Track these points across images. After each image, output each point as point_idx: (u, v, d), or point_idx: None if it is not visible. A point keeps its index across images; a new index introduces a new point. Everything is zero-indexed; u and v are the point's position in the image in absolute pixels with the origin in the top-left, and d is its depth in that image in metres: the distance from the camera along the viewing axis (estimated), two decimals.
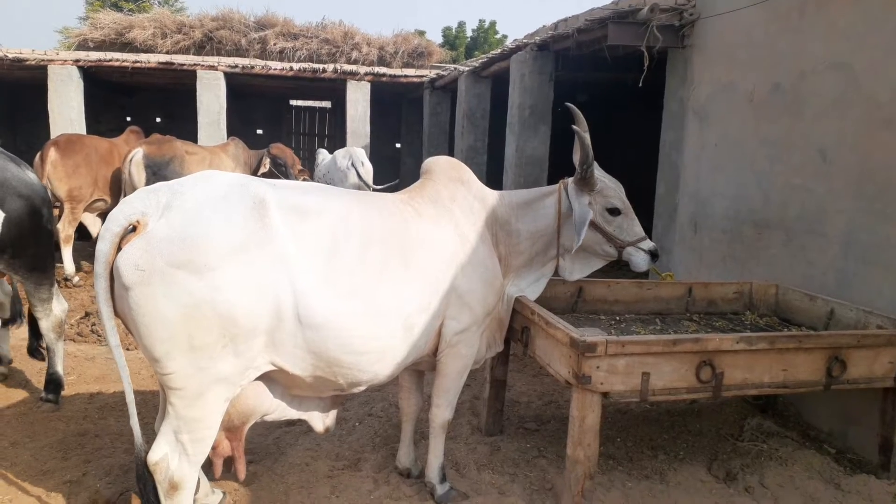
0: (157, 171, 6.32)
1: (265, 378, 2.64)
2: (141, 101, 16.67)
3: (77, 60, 11.06)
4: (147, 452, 2.45)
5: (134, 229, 2.30)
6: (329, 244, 2.57)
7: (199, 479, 2.92)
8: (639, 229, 3.28)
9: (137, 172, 6.27)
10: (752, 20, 4.62)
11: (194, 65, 11.44)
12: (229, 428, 2.72)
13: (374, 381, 2.77)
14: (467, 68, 9.47)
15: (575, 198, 3.19)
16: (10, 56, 10.78)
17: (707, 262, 5.13)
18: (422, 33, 25.12)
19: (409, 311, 2.73)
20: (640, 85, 5.52)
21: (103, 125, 15.10)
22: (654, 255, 3.27)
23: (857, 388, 3.16)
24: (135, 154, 6.34)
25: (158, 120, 16.79)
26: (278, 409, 2.81)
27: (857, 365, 3.09)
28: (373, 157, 17.40)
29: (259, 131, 17.53)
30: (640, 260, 3.24)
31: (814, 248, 4.05)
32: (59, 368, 4.09)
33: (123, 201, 2.40)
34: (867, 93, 3.69)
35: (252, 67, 11.70)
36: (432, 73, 11.73)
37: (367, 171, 8.07)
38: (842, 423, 3.82)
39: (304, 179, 9.00)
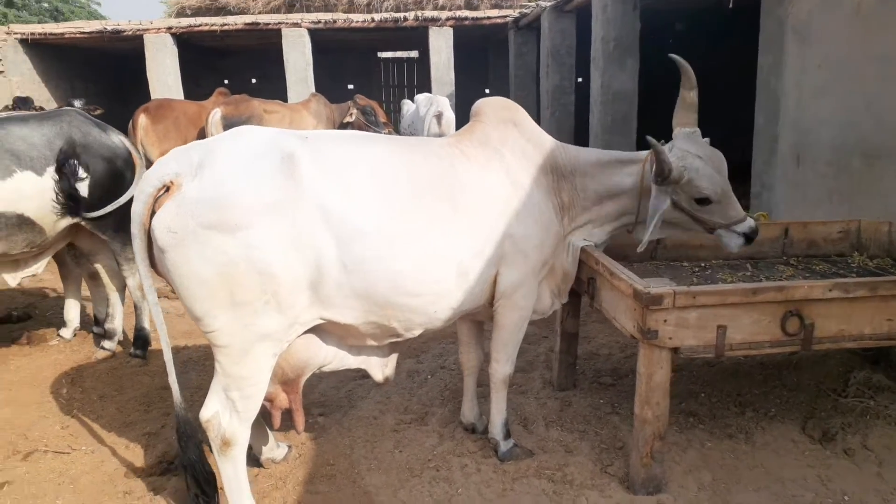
0: None
1: (318, 329, 2.61)
2: (236, 64, 17.17)
3: (170, 28, 11.46)
4: (185, 411, 2.50)
5: (168, 190, 2.29)
6: (372, 191, 2.49)
7: (266, 433, 2.97)
8: (735, 212, 2.85)
9: (217, 133, 6.41)
10: None
11: (279, 23, 11.56)
12: (284, 381, 2.72)
13: (429, 325, 2.69)
14: (550, 3, 8.98)
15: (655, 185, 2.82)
16: (110, 28, 11.32)
17: (812, 199, 4.63)
18: None
19: (462, 255, 2.62)
20: (732, 7, 4.98)
21: (203, 88, 15.60)
22: (749, 238, 2.87)
23: None
24: (213, 115, 6.49)
25: (254, 81, 17.27)
26: (335, 361, 2.79)
27: None
28: (460, 104, 17.16)
29: (349, 86, 17.65)
30: (731, 242, 2.88)
31: None
32: (146, 325, 4.29)
33: (158, 161, 2.38)
34: None
35: (334, 22, 11.68)
36: (516, 13, 11.25)
37: (449, 119, 7.87)
38: None
39: (389, 132, 8.95)
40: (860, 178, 4.11)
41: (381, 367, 2.91)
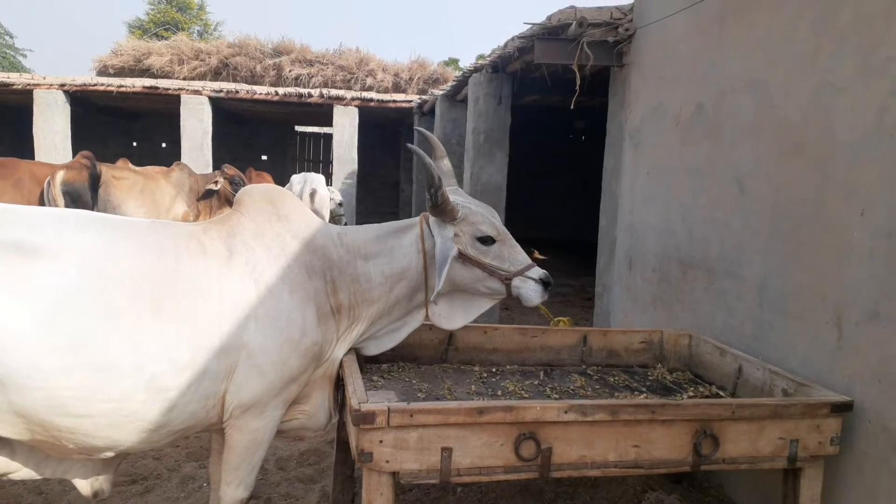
0: (78, 198, 6.06)
1: None
2: (146, 126, 16.84)
3: (63, 85, 11.10)
4: None
5: None
6: (53, 290, 2.15)
7: None
8: (523, 257, 2.80)
9: (56, 199, 6.03)
10: (679, 33, 4.10)
11: (179, 89, 11.36)
12: None
13: (118, 448, 2.32)
14: (441, 92, 9.10)
15: (437, 231, 2.73)
16: None
17: (641, 304, 4.57)
18: (454, 61, 25.06)
19: (156, 369, 2.24)
20: (573, 108, 5.03)
21: (111, 150, 15.21)
22: (545, 283, 2.77)
23: (739, 469, 2.57)
24: (54, 178, 6.11)
25: (164, 145, 16.90)
26: (23, 470, 2.40)
27: (735, 441, 2.51)
28: (376, 184, 17.25)
29: (263, 157, 17.51)
30: (529, 291, 2.74)
31: (732, 292, 3.48)
32: None
33: None
34: (780, 113, 3.14)
35: (237, 92, 11.56)
36: (418, 99, 11.40)
37: (322, 197, 7.70)
38: (761, 501, 3.22)
39: None
40: (677, 287, 4.06)
41: (88, 482, 2.52)
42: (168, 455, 3.73)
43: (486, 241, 2.74)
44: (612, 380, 3.30)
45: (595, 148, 11.00)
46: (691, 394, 3.09)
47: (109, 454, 2.35)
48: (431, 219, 2.77)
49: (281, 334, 2.49)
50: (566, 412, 2.33)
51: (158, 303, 2.29)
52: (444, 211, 2.70)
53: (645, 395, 3.03)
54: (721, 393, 3.11)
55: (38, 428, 2.16)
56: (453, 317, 2.90)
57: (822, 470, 2.64)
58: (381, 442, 2.22)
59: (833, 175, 2.80)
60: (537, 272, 2.78)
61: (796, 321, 3.00)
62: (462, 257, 2.71)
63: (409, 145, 2.83)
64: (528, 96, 7.98)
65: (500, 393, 2.99)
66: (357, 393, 2.32)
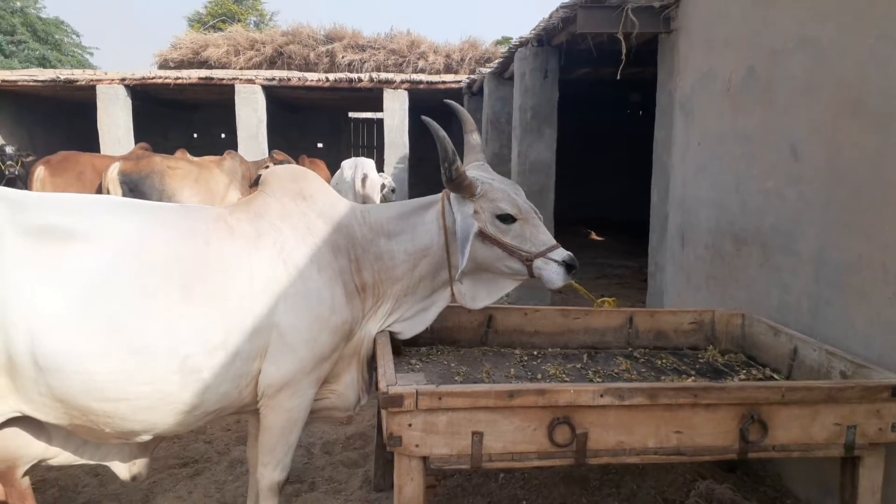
0: (135, 188, 6.25)
1: (34, 419, 2.30)
2: (206, 117, 17.24)
3: (123, 79, 11.44)
4: None
5: None
6: (87, 274, 2.20)
7: None
8: (546, 237, 2.68)
9: (114, 189, 6.24)
10: None
11: (233, 79, 11.56)
12: None
13: (154, 430, 2.35)
14: (489, 70, 8.95)
15: (458, 207, 2.66)
16: (63, 78, 11.30)
17: (694, 283, 4.38)
18: (507, 40, 24.71)
19: (189, 350, 2.27)
20: (622, 79, 4.84)
21: (172, 142, 15.62)
22: (569, 266, 2.64)
23: (791, 457, 2.42)
24: (111, 170, 6.31)
25: (223, 135, 17.27)
26: (62, 455, 2.47)
27: (785, 427, 2.36)
28: (429, 168, 17.17)
29: (319, 144, 17.70)
30: (551, 273, 2.62)
31: (787, 268, 3.28)
32: None
33: None
34: (836, 71, 2.92)
35: (289, 80, 11.68)
36: (466, 79, 11.26)
37: (373, 181, 7.72)
38: (819, 491, 3.04)
39: None
40: (731, 264, 3.87)
41: (126, 467, 2.58)
42: (218, 439, 3.82)
43: (506, 219, 2.64)
44: (659, 363, 3.17)
45: (653, 122, 10.68)
46: (743, 377, 2.94)
47: (146, 437, 2.39)
48: (452, 195, 2.70)
49: (311, 312, 2.49)
50: (602, 396, 2.24)
51: (189, 285, 2.31)
52: (460, 186, 2.61)
53: (693, 378, 2.90)
54: (775, 376, 2.94)
55: (76, 412, 2.21)
56: (477, 297, 2.82)
57: (883, 458, 2.46)
58: (409, 425, 2.18)
59: (895, 135, 2.58)
60: (560, 254, 2.65)
61: (856, 297, 2.80)
62: (482, 235, 2.62)
63: (423, 117, 2.74)
64: (578, 70, 7.75)
65: (540, 376, 2.91)
66: (386, 375, 2.28)
